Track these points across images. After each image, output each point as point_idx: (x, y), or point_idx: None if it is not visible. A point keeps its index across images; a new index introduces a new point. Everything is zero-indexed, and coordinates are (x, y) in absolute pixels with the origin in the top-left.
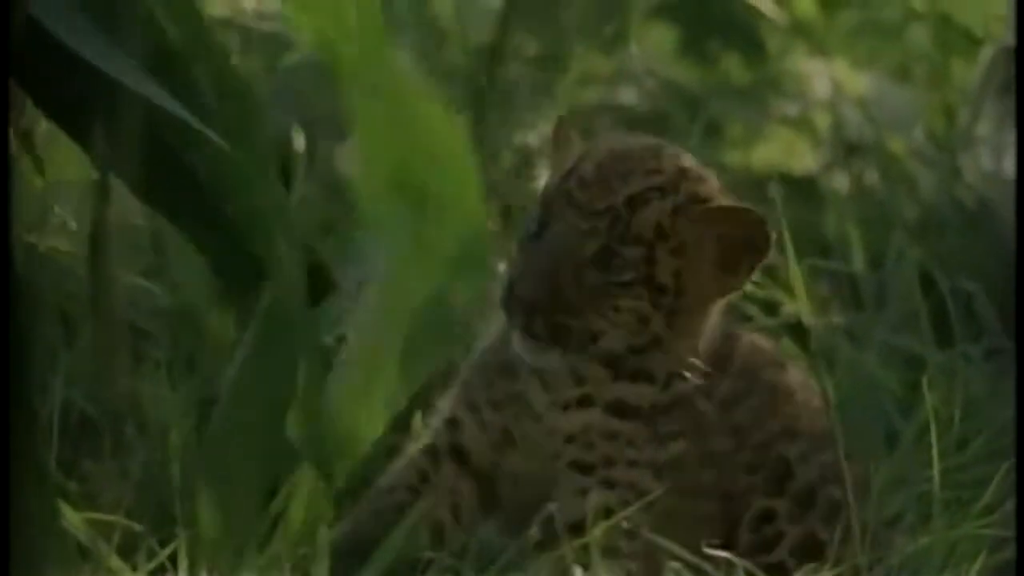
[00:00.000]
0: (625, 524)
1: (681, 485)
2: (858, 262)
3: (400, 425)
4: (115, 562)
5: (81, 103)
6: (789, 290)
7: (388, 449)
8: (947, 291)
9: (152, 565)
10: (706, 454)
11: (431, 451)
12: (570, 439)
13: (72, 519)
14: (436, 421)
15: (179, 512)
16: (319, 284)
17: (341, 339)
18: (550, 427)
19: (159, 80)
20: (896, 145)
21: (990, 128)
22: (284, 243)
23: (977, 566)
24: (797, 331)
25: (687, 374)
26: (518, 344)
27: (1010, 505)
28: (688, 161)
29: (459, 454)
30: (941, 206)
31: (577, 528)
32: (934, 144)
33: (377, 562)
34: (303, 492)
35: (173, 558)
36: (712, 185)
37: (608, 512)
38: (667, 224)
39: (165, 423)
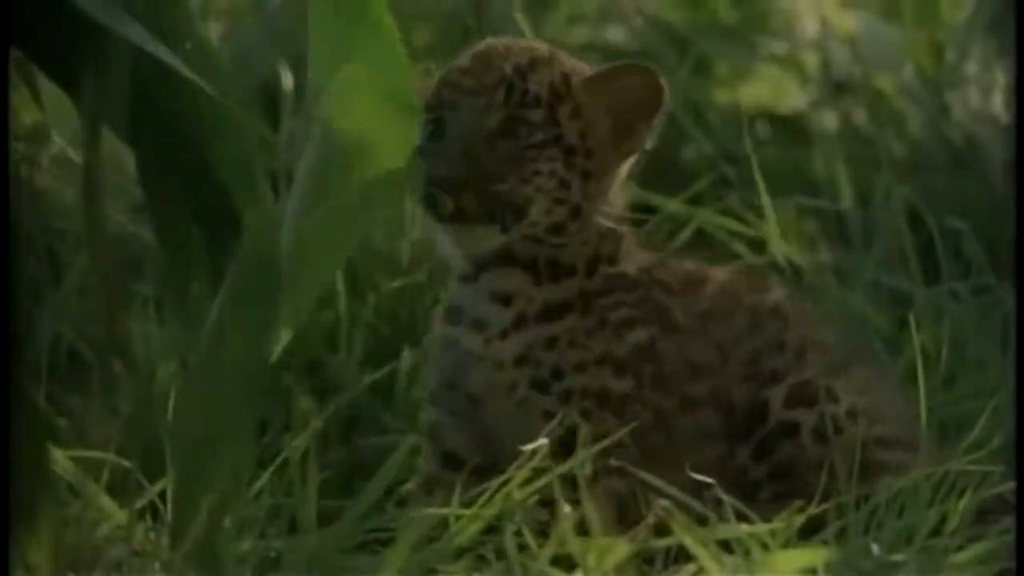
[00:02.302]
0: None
1: (673, 394)
2: (846, 200)
3: (387, 361)
4: (104, 500)
5: (67, 48)
6: (777, 228)
7: (374, 386)
8: (935, 229)
9: (142, 502)
10: (691, 366)
11: (429, 482)
12: (520, 362)
13: (60, 459)
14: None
15: (168, 449)
16: None
17: None
18: (496, 361)
19: (145, 24)
20: (884, 83)
21: (978, 66)
22: (266, 188)
23: (964, 502)
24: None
25: (610, 262)
26: (451, 237)
27: (997, 441)
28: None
29: (453, 460)
30: (929, 144)
31: (558, 454)
32: (922, 82)
33: (365, 497)
34: (292, 430)
35: (163, 495)
36: (584, 65)
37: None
38: (560, 86)
39: (153, 360)
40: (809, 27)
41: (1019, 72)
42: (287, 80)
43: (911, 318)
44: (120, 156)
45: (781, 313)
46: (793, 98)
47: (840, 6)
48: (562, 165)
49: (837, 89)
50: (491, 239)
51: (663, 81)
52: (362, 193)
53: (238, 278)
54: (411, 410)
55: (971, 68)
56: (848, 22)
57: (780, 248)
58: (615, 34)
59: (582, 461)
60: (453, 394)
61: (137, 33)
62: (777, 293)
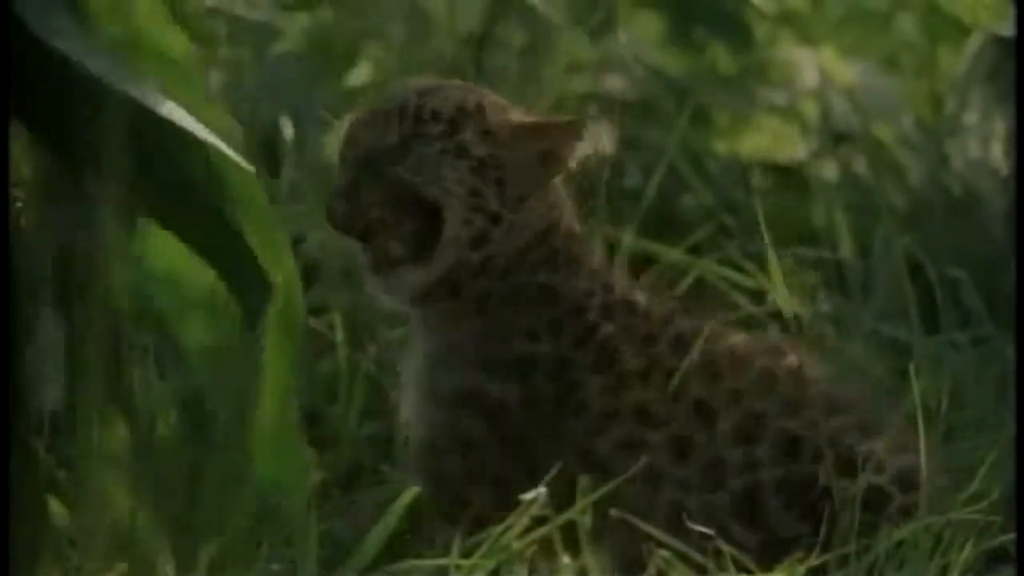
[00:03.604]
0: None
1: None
2: (845, 250)
3: (388, 411)
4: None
5: (70, 116)
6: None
7: (373, 438)
8: (934, 279)
9: None
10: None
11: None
12: None
13: (61, 512)
14: None
15: (167, 503)
16: (306, 273)
17: (331, 327)
18: None
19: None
20: (884, 133)
21: (977, 116)
22: (287, 244)
23: (965, 554)
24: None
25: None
26: (379, 285)
27: (998, 491)
28: None
29: None
30: (929, 194)
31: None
32: (922, 132)
33: (363, 553)
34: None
35: None
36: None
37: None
38: (470, 107)
39: (153, 412)
40: (809, 77)
41: (1018, 122)
42: (287, 131)
43: (911, 368)
44: None
45: (798, 376)
46: (793, 148)
47: (839, 57)
48: (470, 172)
49: (836, 139)
50: (416, 276)
51: (584, 122)
52: None
53: (268, 337)
54: None
55: (970, 118)
56: (847, 73)
57: (784, 299)
58: (614, 84)
59: (583, 509)
60: None
61: (140, 91)
62: (793, 359)
